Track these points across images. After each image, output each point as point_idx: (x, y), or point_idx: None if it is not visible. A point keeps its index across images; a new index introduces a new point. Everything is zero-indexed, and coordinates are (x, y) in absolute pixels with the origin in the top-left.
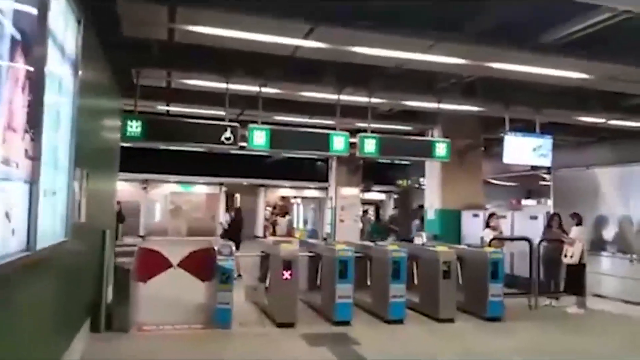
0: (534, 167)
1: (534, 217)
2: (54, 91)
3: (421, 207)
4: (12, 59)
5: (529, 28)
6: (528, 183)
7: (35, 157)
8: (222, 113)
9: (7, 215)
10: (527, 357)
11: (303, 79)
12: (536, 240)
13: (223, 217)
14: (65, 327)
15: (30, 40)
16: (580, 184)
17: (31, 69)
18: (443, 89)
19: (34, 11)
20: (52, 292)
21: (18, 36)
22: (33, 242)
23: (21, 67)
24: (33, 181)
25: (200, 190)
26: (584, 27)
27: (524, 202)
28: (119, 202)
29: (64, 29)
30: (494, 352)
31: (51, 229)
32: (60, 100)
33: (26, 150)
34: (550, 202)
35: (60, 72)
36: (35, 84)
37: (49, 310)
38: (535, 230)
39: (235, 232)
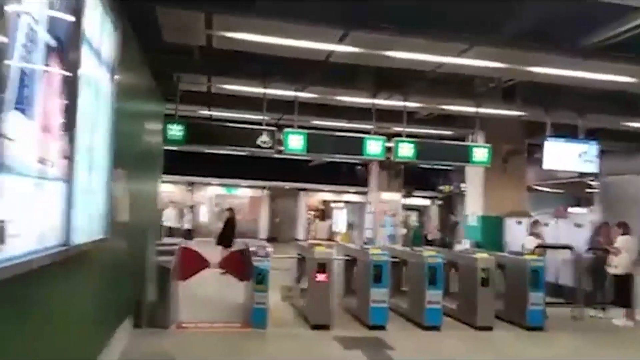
0: (581, 174)
1: (579, 225)
2: (91, 95)
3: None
4: (46, 64)
5: (568, 31)
6: (575, 190)
7: (70, 157)
8: (260, 117)
9: (44, 212)
10: None
11: (339, 83)
12: (581, 249)
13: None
14: (106, 322)
15: (65, 46)
16: (629, 192)
17: (66, 73)
18: (482, 93)
19: (68, 18)
20: (92, 288)
21: (53, 42)
22: (70, 237)
23: (56, 71)
24: (69, 180)
25: (244, 193)
26: (627, 29)
27: (571, 209)
28: (230, 209)
29: (100, 34)
30: None
31: (89, 227)
32: (97, 103)
33: (62, 151)
34: (596, 210)
35: (96, 76)
36: (70, 88)
37: (89, 304)
38: (581, 239)
39: (226, 235)
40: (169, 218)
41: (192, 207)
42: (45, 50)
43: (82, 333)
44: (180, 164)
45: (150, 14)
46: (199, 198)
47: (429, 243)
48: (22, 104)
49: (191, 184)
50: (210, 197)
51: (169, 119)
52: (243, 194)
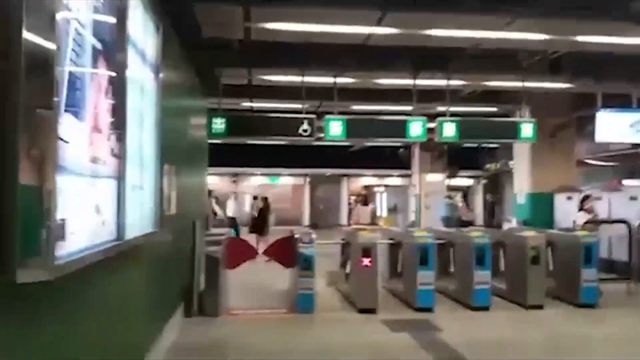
0: (635, 145)
1: (634, 198)
2: (137, 94)
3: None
4: (94, 66)
5: None
6: (629, 162)
7: (120, 155)
8: (300, 106)
9: (97, 208)
10: (621, 346)
11: (377, 66)
12: (636, 223)
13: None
14: (159, 311)
15: (111, 48)
16: None
17: (113, 74)
18: (527, 67)
19: (113, 20)
20: (145, 279)
21: (99, 45)
22: (122, 232)
23: (103, 73)
24: (120, 177)
25: (286, 181)
26: None
27: (625, 182)
28: (265, 198)
29: (144, 35)
30: (585, 340)
31: (140, 221)
32: (143, 102)
33: (112, 149)
34: None
35: (142, 75)
36: (118, 88)
37: (143, 295)
38: (636, 212)
39: (259, 224)
40: (231, 209)
41: (236, 196)
42: (92, 53)
43: (137, 323)
44: (224, 156)
45: (188, 10)
46: (242, 188)
47: (463, 224)
48: (74, 107)
49: (235, 174)
50: (254, 187)
51: (212, 112)
52: (285, 182)
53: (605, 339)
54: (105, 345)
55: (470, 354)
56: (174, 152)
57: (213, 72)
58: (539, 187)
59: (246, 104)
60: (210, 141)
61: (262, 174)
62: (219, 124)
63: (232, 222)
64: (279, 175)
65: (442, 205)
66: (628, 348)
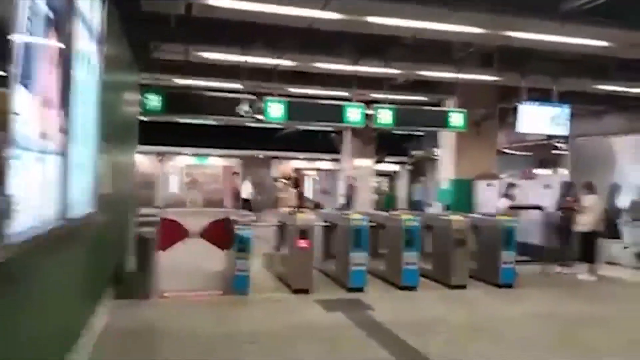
0: (550, 137)
1: (548, 186)
2: (82, 67)
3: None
4: (46, 36)
5: None
6: (540, 152)
7: (66, 130)
8: (239, 86)
9: (44, 186)
10: (538, 323)
11: (319, 51)
12: (549, 209)
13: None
14: (92, 294)
15: (61, 17)
16: (597, 153)
17: (62, 46)
18: (460, 59)
19: None
20: (80, 260)
21: (51, 14)
22: (65, 211)
23: (54, 45)
24: (65, 153)
25: (215, 162)
26: None
27: (536, 171)
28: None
29: (90, 6)
30: (504, 317)
31: (81, 200)
32: (87, 76)
33: (59, 125)
34: (564, 171)
35: (86, 48)
36: (65, 61)
37: (78, 277)
38: (549, 199)
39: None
40: (246, 191)
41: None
42: (45, 23)
43: (71, 306)
44: (152, 134)
45: None
46: (169, 168)
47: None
48: (26, 78)
49: (161, 154)
50: (181, 167)
51: (147, 88)
52: (215, 163)
53: (526, 315)
54: (39, 328)
55: (400, 331)
56: (109, 129)
57: (148, 47)
58: (462, 174)
59: (180, 81)
60: (142, 118)
61: (191, 154)
62: (154, 100)
63: (247, 205)
64: (207, 155)
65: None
66: (543, 323)
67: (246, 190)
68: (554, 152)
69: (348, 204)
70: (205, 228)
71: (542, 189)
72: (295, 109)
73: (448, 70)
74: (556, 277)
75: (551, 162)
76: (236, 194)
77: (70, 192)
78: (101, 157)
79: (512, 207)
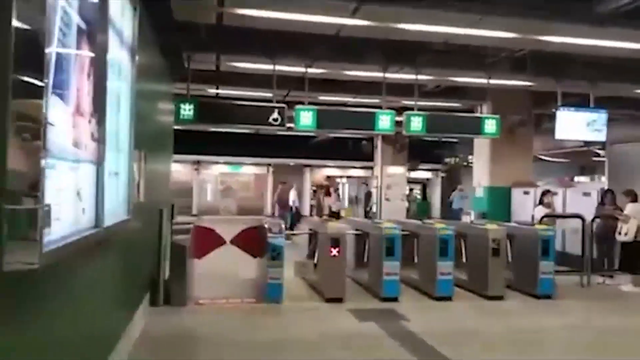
0: (587, 143)
1: (587, 194)
2: (115, 77)
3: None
4: (78, 47)
5: None
6: (581, 159)
7: (100, 139)
8: (270, 95)
9: (78, 195)
10: (578, 335)
11: (349, 58)
12: (589, 218)
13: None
14: (128, 301)
15: (94, 28)
16: (636, 159)
17: (95, 56)
18: (492, 64)
19: (95, 0)
20: (117, 268)
21: (83, 25)
22: (101, 219)
23: (86, 54)
24: (99, 162)
25: (248, 170)
26: None
27: (576, 178)
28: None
29: (122, 16)
30: (543, 330)
31: (115, 208)
32: (120, 85)
33: (92, 134)
34: (604, 178)
35: (119, 58)
36: (98, 71)
37: (114, 284)
38: (589, 207)
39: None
40: (292, 199)
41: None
42: (77, 34)
43: (108, 312)
44: (187, 143)
45: None
46: (204, 176)
47: (333, 215)
48: (60, 89)
49: (197, 162)
50: (216, 176)
51: (180, 98)
52: (248, 171)
53: (565, 327)
54: (79, 334)
55: (435, 342)
56: (143, 137)
57: (181, 56)
58: (497, 181)
59: (212, 91)
60: (176, 127)
61: (224, 162)
62: (187, 109)
63: (296, 212)
64: (241, 164)
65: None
66: (583, 336)
67: (292, 198)
68: (594, 158)
69: (366, 214)
70: (237, 235)
71: (582, 197)
72: (325, 116)
73: (480, 76)
74: (597, 288)
75: (591, 169)
76: (284, 203)
77: (105, 200)
78: (135, 166)
79: (548, 216)
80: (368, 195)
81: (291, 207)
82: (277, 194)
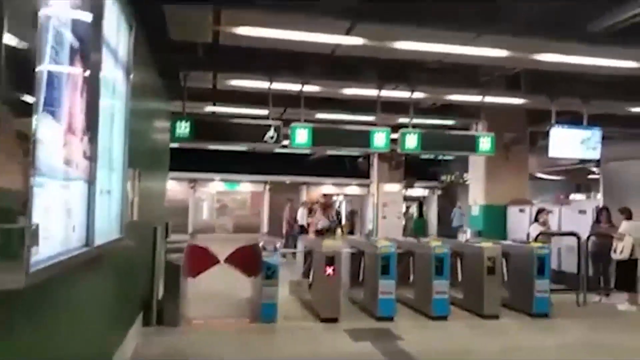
0: (582, 161)
1: (583, 212)
2: (108, 95)
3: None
4: (71, 65)
5: (576, 17)
6: (576, 177)
7: (92, 157)
8: (266, 112)
9: (68, 213)
10: (574, 355)
11: (344, 76)
12: (584, 236)
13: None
14: (120, 321)
15: (87, 47)
16: (630, 177)
17: (88, 74)
18: (487, 82)
19: (89, 19)
20: (109, 287)
21: (76, 44)
22: (91, 238)
23: (79, 72)
24: (91, 180)
25: (245, 188)
26: (634, 14)
27: (572, 196)
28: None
29: (117, 35)
30: (539, 349)
31: (107, 227)
32: (114, 103)
33: (84, 152)
34: (599, 196)
35: (113, 76)
36: (92, 89)
37: (106, 304)
38: (584, 225)
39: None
40: (302, 217)
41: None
42: (69, 52)
43: (99, 332)
44: (182, 161)
45: (157, 11)
46: (200, 194)
47: (319, 233)
48: (51, 106)
49: (193, 180)
50: (212, 194)
51: (176, 116)
52: (244, 189)
53: (562, 347)
54: (69, 355)
55: None
56: (138, 155)
57: (177, 75)
58: (493, 199)
59: (209, 109)
60: (172, 146)
61: (220, 180)
62: (183, 127)
63: (303, 230)
64: (238, 181)
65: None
66: (580, 354)
67: (301, 216)
68: (589, 176)
69: (352, 232)
70: (232, 254)
71: (577, 215)
72: (321, 134)
73: (474, 94)
74: (594, 306)
75: (587, 186)
76: (291, 221)
77: (96, 219)
78: (129, 184)
79: (544, 234)
80: (352, 213)
81: (301, 225)
82: (286, 213)
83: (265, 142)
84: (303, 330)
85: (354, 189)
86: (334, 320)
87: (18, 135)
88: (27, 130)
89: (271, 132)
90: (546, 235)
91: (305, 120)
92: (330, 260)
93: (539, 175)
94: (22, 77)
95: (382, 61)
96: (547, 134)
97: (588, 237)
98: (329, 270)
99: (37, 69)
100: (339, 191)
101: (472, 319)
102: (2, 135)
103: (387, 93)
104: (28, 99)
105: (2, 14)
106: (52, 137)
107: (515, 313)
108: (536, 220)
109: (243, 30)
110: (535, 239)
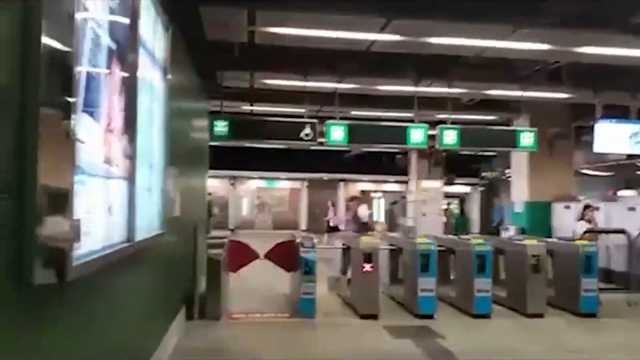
0: (630, 156)
1: (632, 209)
2: (147, 95)
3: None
4: (108, 66)
5: (618, 9)
6: (625, 173)
7: (132, 156)
8: (302, 110)
9: (110, 210)
10: (623, 355)
11: (379, 73)
12: (634, 233)
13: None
14: (163, 314)
15: (124, 48)
16: None
17: (126, 75)
18: (527, 76)
19: (126, 21)
20: (151, 282)
21: (113, 45)
22: (132, 234)
23: (117, 74)
24: (131, 178)
25: (284, 185)
26: None
27: (620, 192)
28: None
29: (154, 36)
30: (585, 349)
31: (148, 223)
32: (152, 103)
33: (124, 150)
34: None
35: (151, 77)
36: (129, 89)
37: (149, 297)
38: (634, 222)
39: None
40: (363, 215)
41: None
42: (107, 54)
43: (142, 326)
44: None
45: (194, 12)
46: (240, 191)
47: (331, 230)
48: (90, 107)
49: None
50: (252, 190)
51: (215, 115)
52: (283, 186)
53: (609, 347)
54: (112, 348)
55: None
56: (178, 154)
57: (215, 75)
58: (537, 195)
59: (246, 108)
60: (211, 144)
61: (259, 177)
62: (221, 126)
63: (365, 228)
64: (276, 179)
65: None
66: (630, 356)
67: (363, 213)
68: (639, 172)
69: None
70: (271, 250)
71: (626, 212)
72: (357, 131)
73: (514, 89)
74: None
75: (637, 182)
76: (356, 219)
77: (137, 215)
78: (169, 181)
79: (590, 231)
80: (391, 210)
81: (364, 223)
82: (349, 211)
83: (301, 139)
84: (342, 326)
85: (392, 186)
86: (374, 316)
87: (59, 135)
88: (67, 130)
89: (307, 130)
90: (593, 233)
91: (341, 118)
92: (369, 256)
93: (586, 171)
94: (61, 79)
95: (419, 56)
96: (591, 129)
97: (638, 235)
98: (367, 266)
99: (75, 71)
100: (377, 188)
101: (516, 318)
102: (43, 134)
103: (424, 89)
104: (67, 99)
105: (40, 17)
106: (92, 136)
107: (561, 312)
108: (582, 217)
109: (278, 30)
110: (582, 237)
